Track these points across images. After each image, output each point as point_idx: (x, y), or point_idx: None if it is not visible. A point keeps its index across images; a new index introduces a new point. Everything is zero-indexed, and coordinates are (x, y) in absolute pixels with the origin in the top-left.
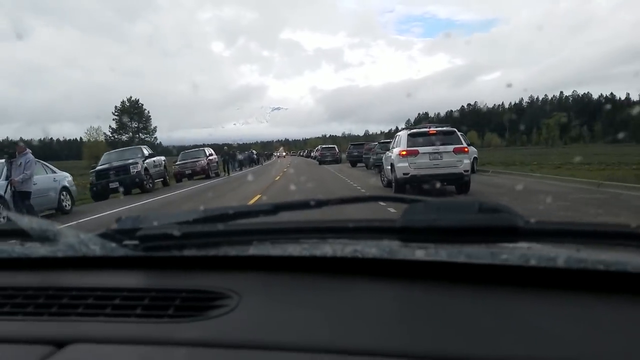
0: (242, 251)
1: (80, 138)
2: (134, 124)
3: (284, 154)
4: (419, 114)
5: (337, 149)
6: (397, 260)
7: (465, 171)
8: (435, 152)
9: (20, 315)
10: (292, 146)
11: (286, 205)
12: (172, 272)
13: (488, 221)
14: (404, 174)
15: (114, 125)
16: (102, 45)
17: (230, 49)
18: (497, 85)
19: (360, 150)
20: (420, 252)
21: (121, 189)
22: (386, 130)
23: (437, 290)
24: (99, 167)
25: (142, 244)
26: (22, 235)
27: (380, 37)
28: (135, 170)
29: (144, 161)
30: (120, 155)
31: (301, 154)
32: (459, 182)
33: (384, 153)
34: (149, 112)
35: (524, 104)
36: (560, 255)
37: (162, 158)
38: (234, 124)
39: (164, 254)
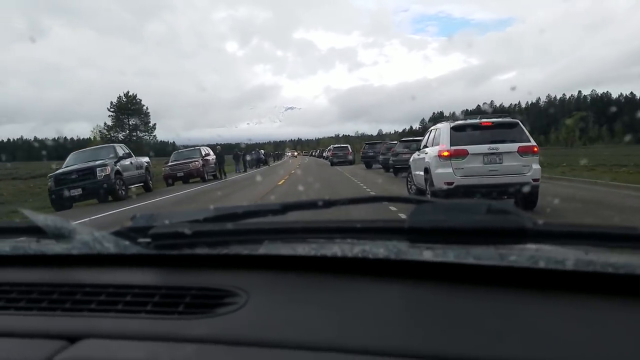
0: (251, 250)
1: (94, 137)
2: (132, 121)
3: (296, 153)
4: (433, 113)
5: (350, 148)
6: (405, 260)
7: (535, 180)
8: (492, 153)
9: (35, 310)
10: (305, 146)
11: (295, 205)
12: (183, 269)
13: (496, 222)
14: (446, 183)
15: (109, 122)
16: (117, 46)
17: (244, 49)
18: (513, 85)
19: (376, 150)
20: (428, 253)
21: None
22: (400, 130)
23: (444, 292)
24: (59, 171)
25: (154, 242)
26: (38, 232)
27: (394, 36)
28: (103, 174)
29: (116, 162)
30: (88, 156)
31: (313, 154)
32: (526, 196)
33: (409, 153)
34: (147, 108)
35: (541, 103)
36: (569, 257)
37: (145, 159)
38: (248, 124)
39: (175, 252)
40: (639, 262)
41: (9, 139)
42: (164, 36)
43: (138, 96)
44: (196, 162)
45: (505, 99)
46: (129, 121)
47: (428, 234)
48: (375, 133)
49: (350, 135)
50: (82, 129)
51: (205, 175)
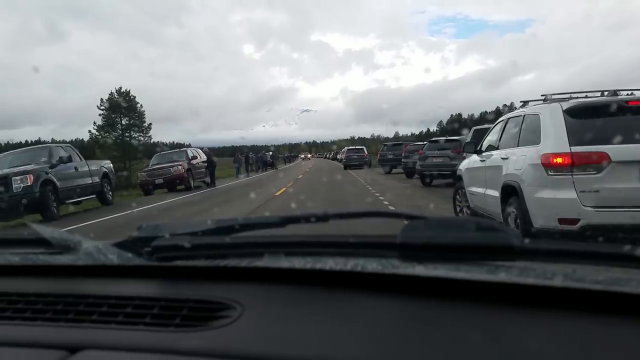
0: (247, 263)
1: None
2: (124, 120)
3: (309, 156)
4: (451, 115)
5: (365, 150)
6: (396, 275)
7: None
8: None
9: (39, 320)
10: (320, 148)
11: (293, 218)
12: (182, 281)
13: (484, 239)
14: (563, 219)
15: (99, 122)
16: (136, 49)
17: (261, 52)
18: (534, 87)
19: (397, 153)
20: (419, 268)
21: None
22: (417, 132)
23: (435, 307)
24: None
25: (156, 254)
26: (46, 244)
27: (411, 38)
28: (22, 186)
29: (48, 170)
30: (13, 160)
31: (327, 156)
32: None
33: (442, 157)
34: (142, 106)
35: None
36: (557, 274)
37: (101, 164)
38: (264, 126)
39: (175, 264)
40: (627, 280)
41: (26, 141)
42: (182, 39)
43: (140, 94)
44: (179, 167)
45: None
46: (121, 120)
47: (419, 250)
48: (391, 135)
49: (366, 137)
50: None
51: (192, 182)
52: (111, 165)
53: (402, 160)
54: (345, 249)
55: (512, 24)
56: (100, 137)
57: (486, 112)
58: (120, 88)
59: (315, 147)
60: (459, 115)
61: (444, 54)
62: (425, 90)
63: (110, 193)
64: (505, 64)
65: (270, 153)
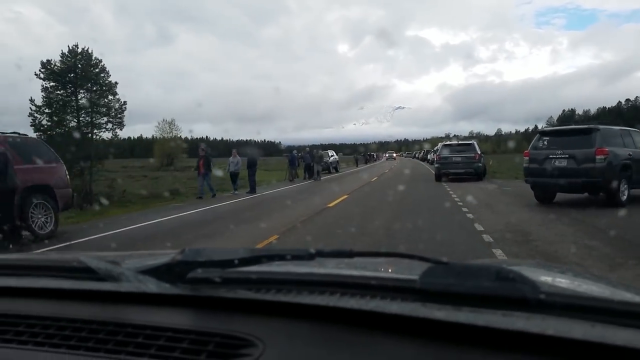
0: (273, 297)
1: (206, 136)
2: (81, 94)
3: (395, 155)
4: (563, 110)
5: (477, 147)
6: (415, 318)
7: None
8: None
9: (82, 349)
10: (412, 146)
11: (321, 253)
12: (212, 313)
13: (501, 290)
14: None
15: (39, 101)
16: (237, 50)
17: (355, 49)
18: None
19: (583, 155)
20: (438, 313)
21: None
22: (522, 130)
23: (453, 352)
24: None
25: (190, 285)
26: (90, 272)
27: (515, 30)
28: None
29: None
30: None
31: (416, 155)
32: None
33: None
34: (108, 73)
35: None
36: (576, 328)
37: None
38: (354, 124)
39: (206, 294)
40: None
41: (129, 137)
42: (279, 39)
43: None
44: None
45: None
46: (76, 96)
47: (438, 296)
48: (492, 133)
49: (464, 135)
50: (204, 129)
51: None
52: None
53: None
54: (367, 290)
55: (631, 13)
56: (48, 123)
57: (605, 107)
58: (77, 46)
59: (406, 146)
60: (572, 110)
61: (553, 47)
62: (532, 85)
63: None
64: (624, 57)
65: (300, 154)
